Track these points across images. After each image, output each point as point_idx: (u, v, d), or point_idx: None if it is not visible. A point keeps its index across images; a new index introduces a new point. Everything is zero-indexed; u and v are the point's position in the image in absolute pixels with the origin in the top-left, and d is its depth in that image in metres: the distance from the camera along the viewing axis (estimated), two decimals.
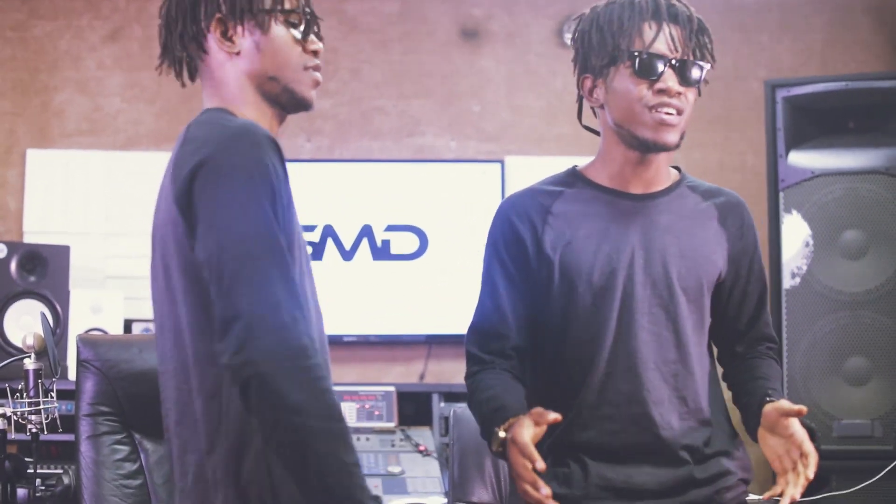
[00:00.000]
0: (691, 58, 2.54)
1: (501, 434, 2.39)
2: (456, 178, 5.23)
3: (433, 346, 4.77)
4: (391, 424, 4.27)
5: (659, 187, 2.67)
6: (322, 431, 2.02)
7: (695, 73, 2.55)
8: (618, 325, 2.59)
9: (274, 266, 2.05)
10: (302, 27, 2.29)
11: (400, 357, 4.80)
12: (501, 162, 5.33)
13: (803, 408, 2.53)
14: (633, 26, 2.54)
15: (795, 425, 2.56)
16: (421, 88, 5.37)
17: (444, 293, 4.79)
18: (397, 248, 4.94)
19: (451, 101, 5.37)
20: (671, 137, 2.56)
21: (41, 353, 3.36)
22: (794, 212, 4.44)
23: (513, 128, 5.40)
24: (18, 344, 3.96)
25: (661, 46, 2.53)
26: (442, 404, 4.41)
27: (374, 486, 3.81)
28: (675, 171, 2.72)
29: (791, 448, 2.58)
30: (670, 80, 2.52)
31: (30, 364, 3.32)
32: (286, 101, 2.29)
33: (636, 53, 2.52)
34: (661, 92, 2.52)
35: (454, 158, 5.31)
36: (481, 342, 2.65)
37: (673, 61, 2.52)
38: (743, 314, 2.74)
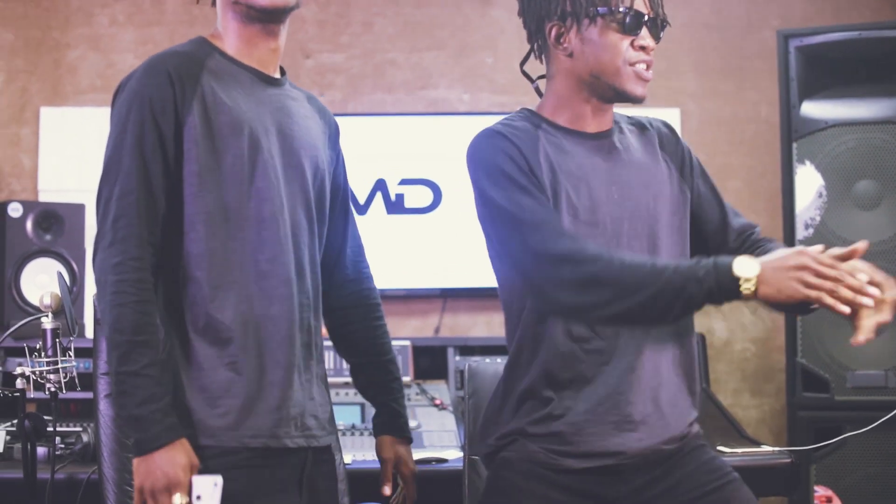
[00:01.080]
0: (660, 16, 2.65)
1: (752, 264, 2.36)
2: (469, 130, 5.16)
3: (448, 300, 4.79)
4: (407, 379, 4.28)
5: (607, 126, 2.72)
6: (109, 340, 2.46)
7: (660, 32, 2.66)
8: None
9: (115, 187, 2.47)
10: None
11: (415, 311, 4.82)
12: None
13: (860, 245, 2.47)
14: None
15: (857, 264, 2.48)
16: (433, 41, 5.36)
17: (458, 246, 4.79)
18: (411, 201, 4.94)
19: (464, 53, 5.36)
20: (644, 91, 2.65)
21: (58, 312, 3.38)
22: (808, 162, 4.44)
23: (525, 80, 5.35)
24: (35, 303, 3.98)
25: (640, 5, 2.62)
26: (457, 358, 4.42)
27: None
28: None
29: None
30: (647, 37, 2.62)
31: (47, 323, 3.34)
32: None
33: (623, 11, 2.59)
34: (641, 49, 2.62)
35: (467, 111, 5.30)
36: (553, 241, 2.50)
37: (647, 19, 2.61)
38: (713, 216, 2.78)
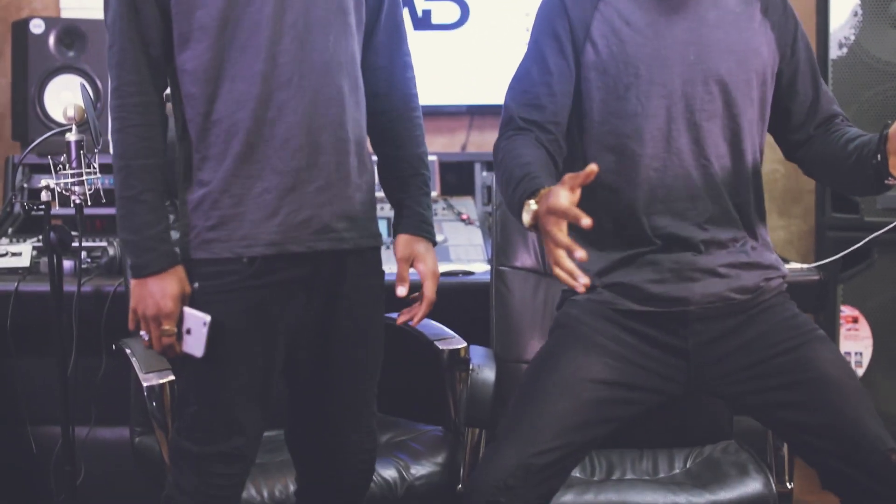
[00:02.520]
0: None
1: (533, 206, 2.28)
2: None
3: (475, 117, 4.73)
4: (434, 194, 4.27)
5: None
6: (113, 164, 2.48)
7: None
8: (668, 122, 2.57)
9: (108, 13, 2.48)
10: None
11: (442, 128, 4.76)
12: None
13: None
14: None
15: None
16: None
17: (485, 63, 4.71)
18: (438, 17, 4.85)
19: None
20: None
21: (82, 125, 3.36)
22: None
23: None
24: (60, 119, 3.96)
25: None
26: (484, 174, 4.40)
27: None
28: None
29: None
30: None
31: (71, 136, 3.32)
32: None
33: None
34: None
35: None
36: (521, 108, 2.60)
37: None
38: (804, 97, 2.69)
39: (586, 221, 2.10)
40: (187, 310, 2.46)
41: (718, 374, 2.55)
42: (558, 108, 2.59)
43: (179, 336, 2.46)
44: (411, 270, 2.69)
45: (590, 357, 2.53)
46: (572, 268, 2.16)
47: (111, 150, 2.48)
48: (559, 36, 2.58)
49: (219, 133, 2.46)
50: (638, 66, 2.55)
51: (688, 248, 2.58)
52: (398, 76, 2.73)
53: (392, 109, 2.72)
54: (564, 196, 2.16)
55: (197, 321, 2.44)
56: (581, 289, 2.15)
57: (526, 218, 2.29)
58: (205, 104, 2.46)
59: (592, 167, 2.16)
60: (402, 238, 2.70)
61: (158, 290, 2.43)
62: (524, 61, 2.66)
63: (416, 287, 2.67)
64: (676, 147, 2.57)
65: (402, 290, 2.63)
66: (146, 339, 2.48)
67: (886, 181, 2.48)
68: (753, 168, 2.65)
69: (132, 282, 2.48)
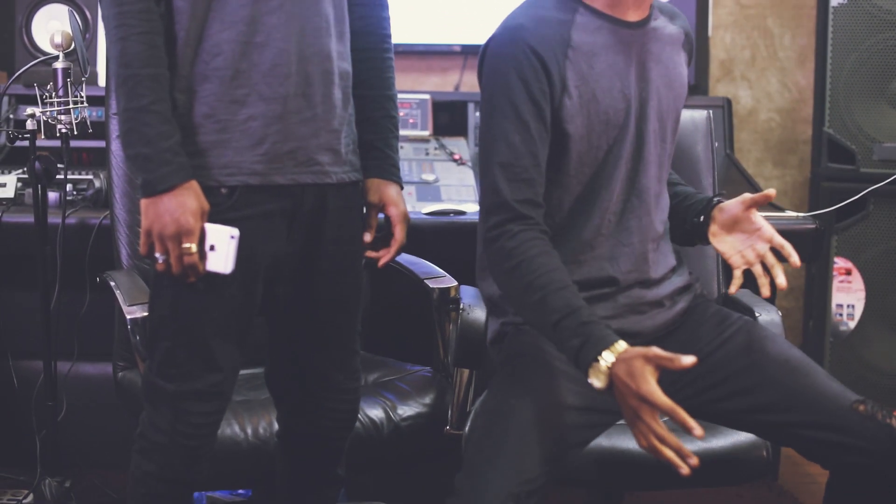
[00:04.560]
0: None
1: (604, 367, 2.23)
2: None
3: (469, 57, 4.65)
4: (426, 133, 4.22)
5: (646, 13, 2.59)
6: (116, 76, 2.34)
7: None
8: (631, 162, 2.55)
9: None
10: None
11: (435, 67, 4.70)
12: None
13: (771, 191, 2.49)
14: None
15: (761, 219, 2.55)
16: None
17: (480, 1, 4.65)
18: None
19: None
20: None
21: (70, 53, 3.30)
22: None
23: None
24: (47, 48, 3.89)
25: None
26: (477, 114, 4.33)
27: (409, 193, 3.77)
28: None
29: (756, 241, 2.55)
30: None
31: (58, 64, 3.27)
32: None
33: None
34: None
35: None
36: (514, 189, 2.45)
37: None
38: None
39: (698, 432, 2.08)
40: (210, 225, 2.34)
41: (668, 387, 2.47)
42: (543, 178, 2.50)
43: (202, 255, 2.35)
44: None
45: (559, 383, 2.47)
46: (679, 445, 2.14)
47: (110, 58, 2.36)
48: (536, 98, 2.46)
49: (204, 54, 2.39)
50: (608, 112, 2.51)
51: (639, 284, 2.60)
52: (373, 14, 2.67)
53: (365, 48, 2.65)
54: (657, 390, 2.16)
55: (223, 235, 2.33)
56: (687, 470, 2.12)
57: (598, 383, 2.25)
58: (191, 20, 2.38)
59: (692, 361, 2.16)
60: (373, 183, 2.65)
61: (177, 206, 2.29)
62: (501, 123, 2.48)
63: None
64: (637, 188, 2.57)
65: (368, 237, 2.61)
66: (161, 260, 2.34)
67: (696, 243, 2.64)
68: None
69: (144, 202, 2.32)
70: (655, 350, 2.17)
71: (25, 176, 3.65)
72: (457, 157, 4.11)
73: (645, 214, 2.59)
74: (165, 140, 2.31)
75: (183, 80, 2.39)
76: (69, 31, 3.28)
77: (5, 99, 4.03)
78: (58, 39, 3.25)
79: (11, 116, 4.06)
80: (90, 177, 3.69)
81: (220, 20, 2.38)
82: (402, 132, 2.95)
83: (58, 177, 3.31)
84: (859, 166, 4.27)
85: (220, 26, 2.38)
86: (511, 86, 2.46)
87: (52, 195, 3.51)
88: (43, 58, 3.54)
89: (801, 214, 3.77)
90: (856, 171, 4.26)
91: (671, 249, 2.70)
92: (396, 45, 2.74)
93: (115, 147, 3.24)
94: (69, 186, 3.60)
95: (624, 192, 2.56)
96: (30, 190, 3.49)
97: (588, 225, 2.55)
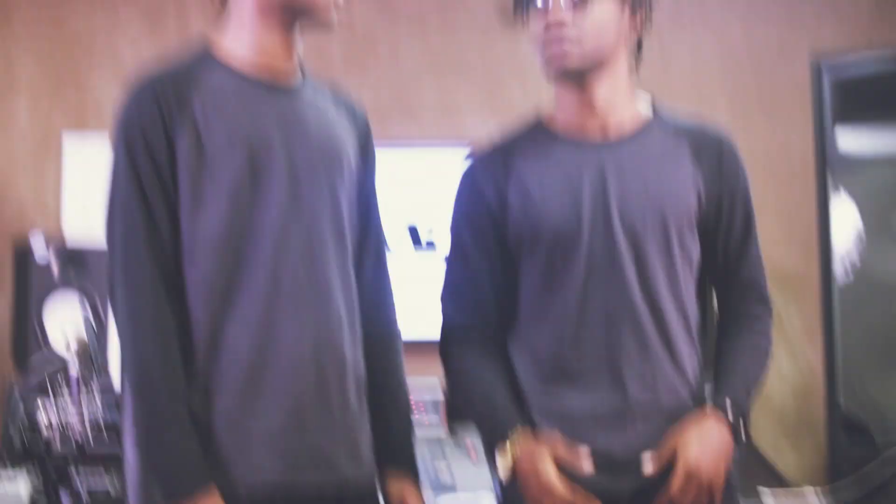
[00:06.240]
0: None
1: (508, 453, 2.47)
2: None
3: None
4: (441, 434, 4.26)
5: (621, 131, 2.62)
6: (130, 380, 2.37)
7: None
8: (585, 279, 2.56)
9: (116, 223, 2.41)
10: None
11: None
12: None
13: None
14: None
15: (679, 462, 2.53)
16: (462, 73, 5.29)
17: None
18: (441, 237, 4.87)
19: (493, 85, 5.29)
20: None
21: (83, 355, 3.33)
22: (844, 194, 4.35)
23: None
24: (58, 343, 3.92)
25: None
26: None
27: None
28: (646, 104, 2.66)
29: None
30: None
31: (72, 367, 3.30)
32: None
33: None
34: None
35: None
36: (457, 304, 2.69)
37: None
38: (727, 256, 2.69)
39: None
40: None
41: None
42: (492, 296, 2.64)
43: None
44: None
45: None
46: None
47: (124, 362, 2.37)
48: (476, 229, 2.65)
49: (220, 357, 2.40)
50: (555, 229, 2.57)
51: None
52: (381, 300, 2.70)
53: (373, 335, 2.65)
54: (551, 465, 2.37)
55: None
56: None
57: (502, 468, 2.46)
58: (205, 322, 2.40)
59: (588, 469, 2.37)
60: (391, 478, 2.64)
61: None
62: (449, 256, 2.75)
63: None
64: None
65: None
66: None
67: None
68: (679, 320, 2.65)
69: None
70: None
71: (38, 477, 3.63)
72: (474, 456, 4.10)
73: (605, 335, 2.61)
74: (182, 445, 2.31)
75: (198, 382, 2.39)
76: (83, 331, 3.32)
77: (19, 400, 4.04)
78: (72, 342, 3.29)
79: (23, 406, 4.06)
80: (105, 479, 3.67)
81: (235, 323, 2.40)
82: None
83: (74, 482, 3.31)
84: (878, 445, 4.20)
85: (235, 329, 2.39)
86: (457, 218, 2.74)
87: (66, 496, 3.49)
88: (55, 360, 3.57)
89: (819, 492, 3.74)
90: (873, 446, 4.20)
91: None
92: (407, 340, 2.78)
93: (130, 454, 3.23)
94: (82, 488, 3.58)
95: (579, 310, 2.59)
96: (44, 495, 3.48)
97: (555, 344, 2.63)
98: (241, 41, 2.52)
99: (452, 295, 2.72)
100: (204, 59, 2.52)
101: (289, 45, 2.54)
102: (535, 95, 5.24)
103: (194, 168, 2.40)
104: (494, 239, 2.63)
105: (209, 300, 2.40)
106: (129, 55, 5.21)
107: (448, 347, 2.71)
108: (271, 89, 2.52)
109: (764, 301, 2.73)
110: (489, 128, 5.17)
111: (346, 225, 2.55)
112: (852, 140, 4.38)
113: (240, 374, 2.39)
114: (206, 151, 2.40)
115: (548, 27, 2.55)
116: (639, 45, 2.70)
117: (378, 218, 2.74)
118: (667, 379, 2.58)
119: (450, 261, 2.73)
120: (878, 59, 4.39)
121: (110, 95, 5.14)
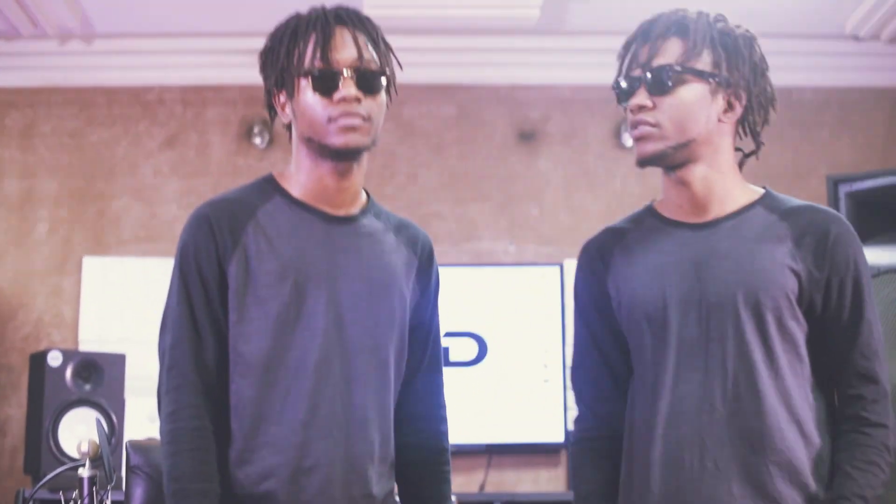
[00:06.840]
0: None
1: None
2: (515, 282, 5.18)
3: (493, 455, 4.65)
4: None
5: (725, 211, 2.58)
6: (166, 489, 2.37)
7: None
8: (676, 362, 2.46)
9: (167, 337, 2.46)
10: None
11: (460, 467, 4.67)
12: (561, 265, 5.28)
13: None
14: None
15: None
16: (478, 192, 5.34)
17: (504, 401, 4.68)
18: (456, 354, 4.87)
19: (509, 204, 5.33)
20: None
21: (96, 461, 3.31)
22: None
23: (572, 230, 5.34)
24: (73, 454, 3.91)
25: None
26: None
27: None
28: (756, 191, 2.63)
29: None
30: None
31: (84, 472, 3.27)
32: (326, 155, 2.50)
33: None
34: None
35: (513, 262, 5.26)
36: (589, 399, 2.62)
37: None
38: (835, 343, 2.47)
39: None
40: None
41: None
42: (619, 389, 2.60)
43: None
44: None
45: None
46: None
47: (163, 477, 2.38)
48: (591, 320, 2.61)
49: (255, 475, 2.41)
50: (647, 310, 2.53)
51: None
52: (431, 429, 2.68)
53: (420, 462, 2.64)
54: None
55: None
56: None
57: None
58: (242, 442, 2.42)
59: None
60: None
61: None
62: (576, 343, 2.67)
63: None
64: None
65: None
66: None
67: None
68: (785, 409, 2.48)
69: None
70: None
71: None
72: None
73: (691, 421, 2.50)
74: None
75: (233, 500, 2.40)
76: (96, 438, 3.30)
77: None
78: (84, 448, 3.26)
79: None
80: None
81: (270, 445, 2.41)
82: None
83: None
84: None
85: (270, 450, 2.41)
86: (577, 308, 2.69)
87: None
88: (68, 466, 3.54)
89: None
90: None
91: None
92: None
93: None
94: None
95: (673, 394, 2.49)
96: None
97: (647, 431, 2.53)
98: (300, 171, 2.56)
99: (585, 390, 2.64)
100: (266, 188, 2.57)
101: (339, 175, 2.57)
102: (551, 215, 5.37)
103: (241, 296, 2.46)
104: (607, 328, 2.60)
105: (247, 417, 2.44)
106: (148, 174, 5.28)
107: (581, 459, 2.62)
108: (326, 218, 2.55)
109: (874, 381, 2.55)
110: (506, 247, 5.30)
111: (390, 353, 2.54)
112: (869, 255, 4.37)
113: (273, 497, 2.39)
114: (254, 281, 2.46)
115: (632, 111, 2.55)
116: (751, 132, 2.65)
117: (437, 337, 2.75)
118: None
119: (578, 348, 2.67)
120: (894, 176, 4.42)
121: (129, 214, 5.24)
